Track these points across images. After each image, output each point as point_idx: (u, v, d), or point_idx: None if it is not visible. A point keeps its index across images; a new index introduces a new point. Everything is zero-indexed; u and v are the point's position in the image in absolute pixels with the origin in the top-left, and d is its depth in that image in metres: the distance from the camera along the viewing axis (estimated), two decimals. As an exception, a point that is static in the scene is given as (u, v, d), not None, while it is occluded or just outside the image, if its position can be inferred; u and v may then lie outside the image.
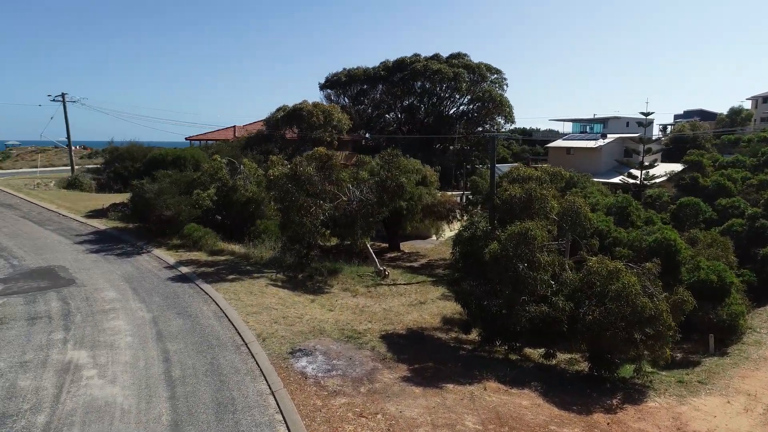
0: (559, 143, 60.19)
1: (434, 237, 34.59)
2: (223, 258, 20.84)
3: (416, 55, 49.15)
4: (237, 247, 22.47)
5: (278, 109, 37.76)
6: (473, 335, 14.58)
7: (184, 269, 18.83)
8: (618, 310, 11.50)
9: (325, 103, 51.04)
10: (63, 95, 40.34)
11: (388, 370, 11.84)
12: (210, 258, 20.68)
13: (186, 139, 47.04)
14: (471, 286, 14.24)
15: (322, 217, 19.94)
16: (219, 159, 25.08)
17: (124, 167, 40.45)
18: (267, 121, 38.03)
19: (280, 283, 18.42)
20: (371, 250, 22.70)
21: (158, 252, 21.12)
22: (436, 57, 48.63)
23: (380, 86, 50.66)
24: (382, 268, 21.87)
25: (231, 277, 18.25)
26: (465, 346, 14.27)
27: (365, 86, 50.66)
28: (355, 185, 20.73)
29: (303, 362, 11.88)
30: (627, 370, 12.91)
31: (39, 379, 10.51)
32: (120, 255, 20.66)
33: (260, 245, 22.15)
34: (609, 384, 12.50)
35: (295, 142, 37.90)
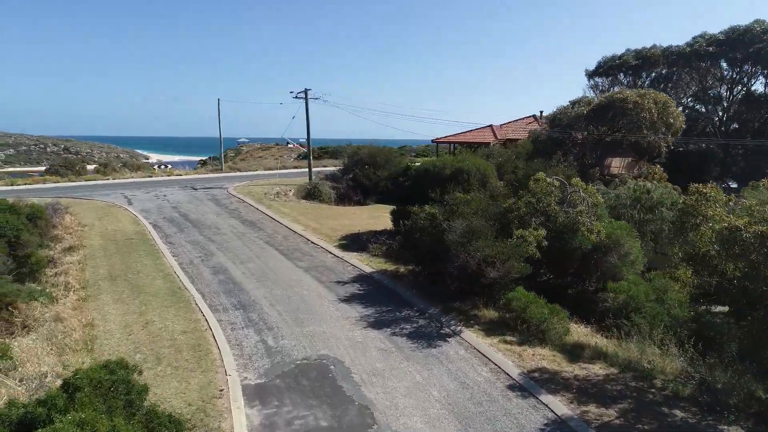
0: None
1: None
2: (596, 368, 11.35)
3: (758, 21, 34.22)
4: (599, 340, 12.85)
5: (575, 103, 27.46)
6: None
7: (552, 401, 9.80)
8: None
9: (590, 95, 39.39)
10: (305, 91, 35.73)
11: None
12: (574, 367, 11.36)
13: (432, 141, 39.62)
14: None
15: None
16: (545, 178, 15.80)
17: (364, 174, 34.48)
18: (553, 119, 27.90)
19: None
20: None
21: (471, 336, 12.61)
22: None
23: (683, 71, 36.84)
24: None
25: (677, 452, 8.56)
26: None
27: (666, 70, 37.38)
28: None
29: None
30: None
31: None
32: (414, 338, 12.62)
33: (642, 340, 12.19)
34: None
35: (591, 147, 27.19)
